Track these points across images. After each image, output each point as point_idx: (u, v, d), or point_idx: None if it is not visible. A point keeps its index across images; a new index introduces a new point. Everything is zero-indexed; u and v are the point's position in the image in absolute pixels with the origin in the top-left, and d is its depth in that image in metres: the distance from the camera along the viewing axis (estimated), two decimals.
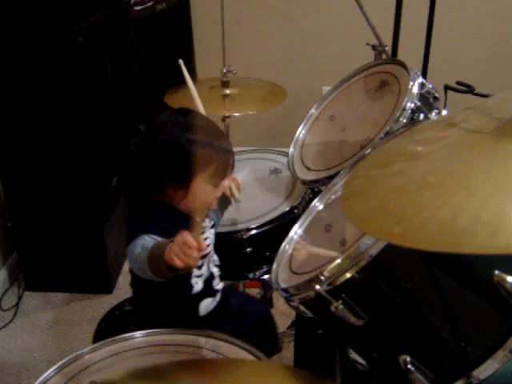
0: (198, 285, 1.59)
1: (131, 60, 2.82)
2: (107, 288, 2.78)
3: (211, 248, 1.63)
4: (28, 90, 2.42)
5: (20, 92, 2.42)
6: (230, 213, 1.86)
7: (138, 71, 2.87)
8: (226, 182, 1.56)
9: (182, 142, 1.42)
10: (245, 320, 1.73)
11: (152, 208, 1.50)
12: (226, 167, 1.52)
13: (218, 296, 1.66)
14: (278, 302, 2.33)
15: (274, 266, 1.32)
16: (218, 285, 1.66)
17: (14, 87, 2.42)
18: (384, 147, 1.20)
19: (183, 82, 2.52)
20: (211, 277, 1.64)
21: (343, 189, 1.10)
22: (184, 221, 1.30)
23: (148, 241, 1.36)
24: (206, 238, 1.60)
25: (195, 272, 1.57)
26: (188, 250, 1.18)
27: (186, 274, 1.54)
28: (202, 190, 1.48)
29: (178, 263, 1.19)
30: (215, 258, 1.67)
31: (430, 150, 1.04)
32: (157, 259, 1.27)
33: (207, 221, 1.62)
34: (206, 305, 1.62)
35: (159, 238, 1.37)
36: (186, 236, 1.19)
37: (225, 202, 1.77)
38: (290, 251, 1.36)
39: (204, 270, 1.60)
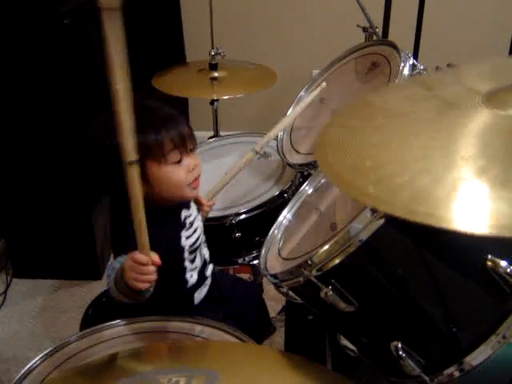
0: (192, 278, 1.54)
1: None
2: (96, 274, 2.75)
3: (202, 237, 1.58)
4: (13, 74, 2.37)
5: (4, 76, 2.38)
6: (218, 197, 1.83)
7: (127, 54, 2.83)
8: (191, 160, 1.42)
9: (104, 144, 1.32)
10: (235, 303, 1.71)
11: (125, 219, 1.25)
12: (173, 141, 1.37)
13: (209, 280, 1.62)
14: (269, 286, 2.30)
15: (263, 251, 1.31)
16: (209, 270, 1.63)
17: None
18: (368, 98, 1.16)
19: (171, 65, 2.49)
20: (204, 264, 1.59)
21: (320, 135, 1.03)
22: (162, 220, 1.31)
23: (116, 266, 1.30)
24: (195, 229, 1.52)
25: (189, 266, 1.52)
26: (143, 269, 1.17)
27: (180, 270, 1.49)
28: (166, 173, 1.37)
29: (141, 285, 1.18)
30: (203, 239, 1.61)
31: (417, 108, 1.00)
32: (122, 285, 1.24)
33: (194, 210, 1.55)
34: (199, 293, 1.59)
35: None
36: (134, 256, 1.16)
37: None
38: (279, 236, 1.34)
39: (197, 261, 1.55)
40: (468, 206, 0.75)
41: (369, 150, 0.92)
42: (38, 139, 2.48)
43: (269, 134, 1.72)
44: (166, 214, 1.42)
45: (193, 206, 1.55)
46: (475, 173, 0.80)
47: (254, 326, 1.73)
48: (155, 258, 1.18)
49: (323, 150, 0.97)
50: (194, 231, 1.51)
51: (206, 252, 1.61)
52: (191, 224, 1.51)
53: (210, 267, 1.63)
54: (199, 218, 1.57)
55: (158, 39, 3.17)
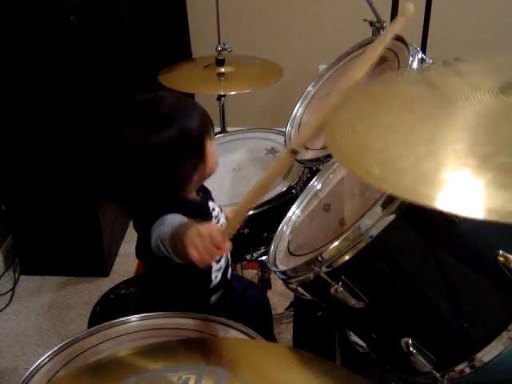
0: (216, 278, 1.53)
1: (125, 39, 2.78)
2: (103, 271, 2.75)
3: None
4: (19, 71, 2.37)
5: (11, 73, 2.38)
6: (225, 194, 1.83)
7: (132, 50, 2.83)
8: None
9: (182, 127, 1.34)
10: (244, 306, 1.70)
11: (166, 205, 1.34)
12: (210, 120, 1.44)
13: (227, 284, 1.61)
14: (277, 283, 2.30)
15: (272, 247, 1.30)
16: (229, 273, 1.61)
17: (4, 69, 2.37)
18: (382, 84, 1.15)
19: (177, 61, 2.48)
20: (226, 267, 1.58)
21: (330, 118, 1.01)
22: (194, 211, 1.31)
23: (175, 218, 1.28)
24: (222, 225, 1.49)
25: (215, 266, 1.51)
26: (211, 247, 1.07)
27: (206, 271, 1.47)
28: (211, 148, 1.41)
29: (195, 255, 1.08)
30: None
31: (430, 94, 1.00)
32: (178, 239, 1.16)
33: (217, 205, 1.54)
34: (217, 294, 1.58)
35: (186, 219, 1.28)
36: (213, 230, 1.08)
37: None
38: (288, 232, 1.33)
39: (222, 261, 1.54)
40: (470, 191, 0.74)
41: (378, 131, 0.92)
42: (45, 136, 2.48)
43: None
44: (197, 205, 1.45)
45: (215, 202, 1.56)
46: (481, 159, 0.79)
47: (260, 330, 1.72)
48: (228, 245, 1.09)
49: (332, 130, 0.96)
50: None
51: (229, 254, 1.59)
52: (217, 219, 1.51)
53: (230, 271, 1.62)
54: (223, 216, 1.56)
55: (164, 35, 3.16)
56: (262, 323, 1.75)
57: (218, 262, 1.52)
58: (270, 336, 1.82)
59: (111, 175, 1.40)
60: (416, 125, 0.91)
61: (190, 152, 1.35)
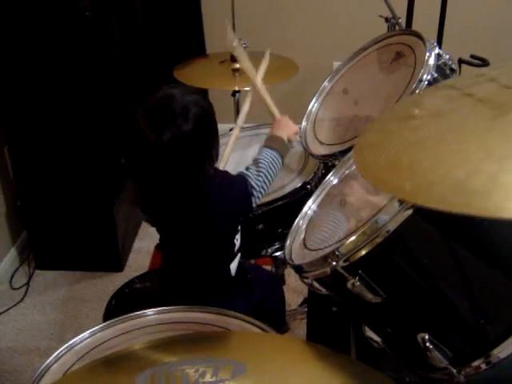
0: (237, 242, 1.63)
1: (139, 35, 2.79)
2: (118, 266, 2.76)
3: None
4: (36, 67, 2.38)
5: (28, 70, 2.39)
6: None
7: (147, 46, 2.83)
8: None
9: (207, 111, 1.46)
10: (259, 288, 1.74)
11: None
12: None
13: (239, 254, 1.67)
14: (290, 278, 2.30)
15: (288, 242, 1.30)
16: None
17: (21, 64, 2.38)
18: (405, 102, 1.16)
19: (192, 57, 2.48)
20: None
21: (358, 140, 1.06)
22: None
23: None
24: None
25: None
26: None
27: (231, 234, 1.60)
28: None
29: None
30: None
31: (453, 107, 0.99)
32: (279, 146, 1.67)
33: None
34: (235, 263, 1.64)
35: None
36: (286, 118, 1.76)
37: None
38: (304, 227, 1.33)
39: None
40: (505, 195, 0.74)
41: (405, 149, 0.93)
42: (60, 132, 2.49)
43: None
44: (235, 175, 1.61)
45: None
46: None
47: (273, 317, 1.74)
48: None
49: (361, 153, 0.99)
50: None
51: None
52: None
53: None
54: None
55: (179, 31, 3.16)
56: (276, 307, 1.80)
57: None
58: (282, 321, 1.84)
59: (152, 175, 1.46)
60: (442, 137, 0.91)
61: (214, 130, 1.49)
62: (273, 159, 1.63)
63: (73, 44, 2.33)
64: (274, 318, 1.78)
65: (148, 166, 1.44)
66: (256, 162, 1.62)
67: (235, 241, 1.61)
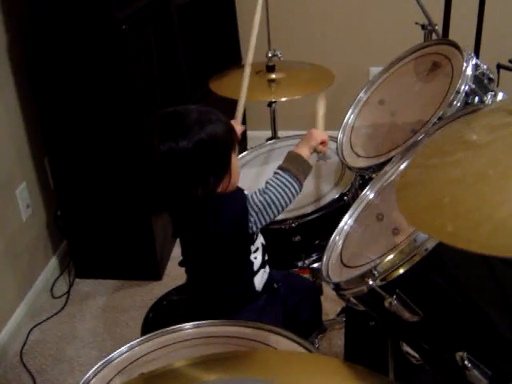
0: (256, 260, 1.59)
1: (176, 47, 2.80)
2: (156, 275, 2.78)
3: None
4: (73, 80, 2.42)
5: (65, 83, 2.43)
6: None
7: (183, 57, 2.85)
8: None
9: (210, 136, 1.43)
10: (292, 297, 1.73)
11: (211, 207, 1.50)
12: (236, 133, 1.55)
13: (267, 267, 1.66)
14: (328, 288, 2.27)
15: (325, 258, 1.29)
16: (266, 255, 1.66)
17: (59, 78, 2.42)
18: (445, 133, 1.15)
19: (228, 68, 2.49)
20: (263, 247, 1.64)
21: (400, 178, 1.05)
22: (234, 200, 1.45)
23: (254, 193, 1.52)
24: None
25: (252, 248, 1.58)
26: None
27: (245, 253, 1.57)
28: (235, 161, 1.52)
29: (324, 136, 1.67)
30: None
31: (493, 138, 0.96)
32: (298, 166, 1.56)
33: None
34: (259, 278, 1.62)
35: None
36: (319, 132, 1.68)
37: None
38: (341, 242, 1.33)
39: (257, 243, 1.60)
40: None
41: (446, 186, 0.91)
42: (99, 143, 2.53)
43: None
44: (237, 194, 1.54)
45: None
46: None
47: (308, 322, 1.74)
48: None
49: (403, 191, 0.98)
50: None
51: (261, 236, 1.65)
52: None
53: (266, 254, 1.66)
54: None
55: (215, 42, 3.18)
56: (311, 314, 1.80)
57: (254, 242, 1.59)
58: (319, 325, 1.85)
59: (151, 182, 1.51)
60: (484, 173, 0.88)
61: (217, 158, 1.45)
62: (283, 183, 1.53)
63: (110, 57, 2.36)
64: (310, 323, 1.78)
65: (147, 170, 1.49)
66: (266, 183, 1.55)
67: (253, 259, 1.59)
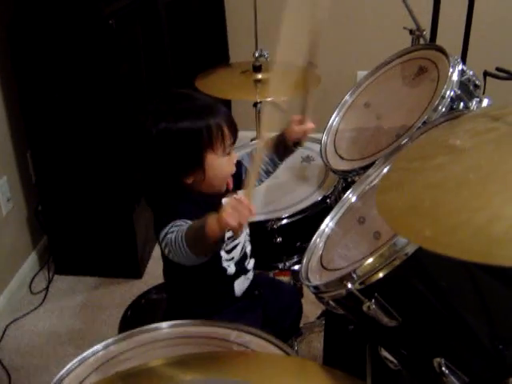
0: (230, 268, 1.56)
1: (163, 43, 2.79)
2: (137, 273, 2.76)
3: (244, 231, 1.60)
4: (58, 74, 2.40)
5: (50, 77, 2.41)
6: (259, 201, 1.82)
7: (170, 55, 2.83)
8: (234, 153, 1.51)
9: (178, 129, 1.40)
10: (274, 304, 1.71)
11: (177, 199, 1.46)
12: (228, 135, 1.45)
13: (251, 274, 1.63)
14: (309, 291, 2.28)
15: (304, 260, 1.29)
16: (250, 263, 1.63)
17: (43, 71, 2.40)
18: (428, 137, 1.14)
19: (215, 66, 2.48)
20: (244, 257, 1.60)
21: (381, 181, 1.04)
22: (211, 205, 1.32)
23: (181, 223, 1.36)
24: None
25: (224, 256, 1.54)
26: (242, 208, 1.20)
27: (215, 259, 1.51)
28: (218, 164, 1.44)
29: (232, 222, 1.19)
30: (246, 233, 1.63)
31: (476, 143, 0.96)
32: (197, 235, 1.29)
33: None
34: (240, 284, 1.59)
35: (190, 222, 1.35)
36: (238, 197, 1.24)
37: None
38: (322, 245, 1.32)
39: (234, 252, 1.56)
40: None
41: (427, 190, 0.90)
42: (82, 138, 2.51)
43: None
44: (209, 199, 1.46)
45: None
46: None
47: (288, 330, 1.73)
48: (253, 207, 1.23)
49: (383, 194, 0.97)
50: None
51: (248, 245, 1.62)
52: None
53: (252, 262, 1.64)
54: None
55: (202, 40, 3.17)
56: (292, 322, 1.78)
57: (229, 252, 1.55)
58: (297, 329, 1.86)
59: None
60: (464, 178, 0.88)
61: (185, 162, 1.42)
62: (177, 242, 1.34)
63: (96, 52, 2.34)
64: (289, 331, 1.77)
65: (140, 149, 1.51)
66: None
67: (226, 266, 1.54)
